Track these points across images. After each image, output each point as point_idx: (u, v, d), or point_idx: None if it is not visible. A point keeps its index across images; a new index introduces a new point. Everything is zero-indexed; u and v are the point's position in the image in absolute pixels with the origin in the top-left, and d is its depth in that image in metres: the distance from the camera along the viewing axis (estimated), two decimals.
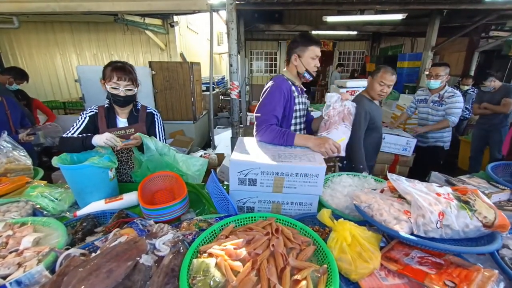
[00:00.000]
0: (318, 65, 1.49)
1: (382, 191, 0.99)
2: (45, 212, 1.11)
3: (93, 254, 0.73)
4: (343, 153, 1.26)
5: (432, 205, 0.79)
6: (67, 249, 0.77)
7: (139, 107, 1.59)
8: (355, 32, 7.45)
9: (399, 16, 4.97)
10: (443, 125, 2.61)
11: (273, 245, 0.77)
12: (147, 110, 1.60)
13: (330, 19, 5.32)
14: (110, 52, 5.64)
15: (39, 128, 3.35)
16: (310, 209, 1.10)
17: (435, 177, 1.37)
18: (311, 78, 1.54)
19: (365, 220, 0.92)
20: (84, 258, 0.72)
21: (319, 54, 1.49)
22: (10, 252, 0.78)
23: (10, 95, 2.70)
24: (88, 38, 5.51)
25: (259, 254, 0.74)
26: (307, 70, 1.50)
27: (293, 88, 1.54)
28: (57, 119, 3.81)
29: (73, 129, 1.42)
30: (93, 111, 1.47)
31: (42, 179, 1.49)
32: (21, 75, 3.11)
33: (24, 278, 0.65)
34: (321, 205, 1.14)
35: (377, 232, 0.86)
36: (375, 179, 1.35)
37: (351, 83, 3.34)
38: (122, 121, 1.53)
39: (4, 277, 0.69)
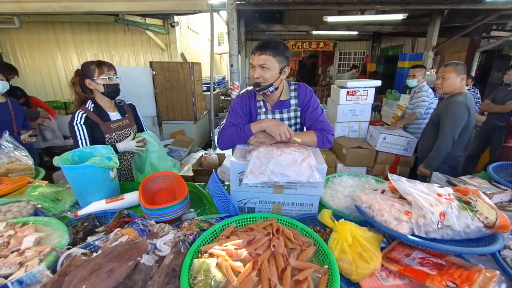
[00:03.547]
0: (256, 75, 1.22)
1: (383, 192, 0.99)
2: (46, 212, 1.11)
3: (94, 254, 0.74)
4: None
5: (433, 206, 0.79)
6: (68, 248, 0.78)
7: (118, 101, 1.69)
8: (355, 32, 7.44)
9: (399, 16, 4.96)
10: (412, 118, 3.02)
11: (274, 245, 0.77)
12: (126, 103, 1.74)
13: (331, 19, 5.31)
14: (111, 53, 5.64)
15: (43, 119, 3.40)
16: (311, 209, 1.10)
17: (436, 177, 1.37)
18: (258, 92, 1.32)
19: (366, 221, 0.92)
20: (85, 258, 0.72)
21: (254, 63, 1.23)
22: (12, 252, 0.78)
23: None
24: (89, 38, 5.51)
25: (260, 255, 0.74)
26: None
27: (261, 103, 1.38)
28: (58, 119, 3.82)
29: (81, 143, 1.47)
30: (83, 117, 1.50)
31: (43, 179, 1.49)
32: (9, 69, 3.05)
33: (26, 278, 0.65)
34: (322, 205, 1.14)
35: (378, 232, 0.86)
36: (375, 180, 1.35)
37: (351, 83, 3.33)
38: (113, 115, 1.63)
39: (6, 277, 0.69)
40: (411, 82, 3.12)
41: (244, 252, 0.74)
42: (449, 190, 0.89)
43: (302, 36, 8.36)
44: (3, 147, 1.49)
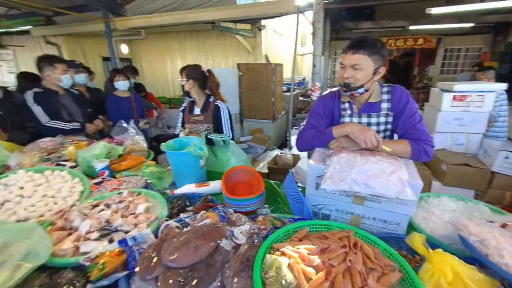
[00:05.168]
0: (346, 75, 1.15)
1: (503, 226, 0.77)
2: (153, 187, 1.36)
3: (185, 229, 0.86)
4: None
5: None
6: (167, 220, 0.93)
7: (211, 100, 1.95)
8: (470, 24, 6.03)
9: None
10: None
11: (350, 260, 0.72)
12: (215, 103, 1.94)
13: (436, 10, 4.48)
14: (206, 57, 6.46)
15: (159, 116, 4.29)
16: (397, 229, 0.96)
17: None
18: (345, 93, 1.24)
19: (473, 258, 0.74)
20: (178, 231, 0.86)
21: (345, 62, 1.15)
22: (131, 214, 1.00)
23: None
24: (191, 44, 6.48)
25: (334, 266, 0.70)
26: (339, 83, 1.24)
27: (346, 105, 1.30)
28: (164, 112, 4.66)
29: (179, 123, 2.04)
30: (183, 107, 2.04)
31: (152, 160, 1.84)
32: (134, 71, 3.95)
33: (138, 237, 0.82)
34: (411, 227, 0.99)
35: (493, 276, 0.68)
36: (490, 209, 1.07)
37: (460, 86, 2.72)
38: (197, 110, 1.98)
39: (126, 232, 0.89)
40: None
41: (317, 259, 0.72)
42: None
43: (395, 33, 7.39)
44: (129, 132, 1.92)
